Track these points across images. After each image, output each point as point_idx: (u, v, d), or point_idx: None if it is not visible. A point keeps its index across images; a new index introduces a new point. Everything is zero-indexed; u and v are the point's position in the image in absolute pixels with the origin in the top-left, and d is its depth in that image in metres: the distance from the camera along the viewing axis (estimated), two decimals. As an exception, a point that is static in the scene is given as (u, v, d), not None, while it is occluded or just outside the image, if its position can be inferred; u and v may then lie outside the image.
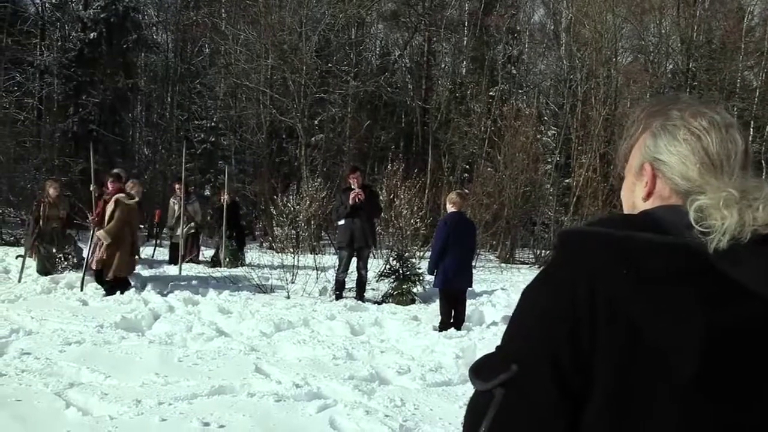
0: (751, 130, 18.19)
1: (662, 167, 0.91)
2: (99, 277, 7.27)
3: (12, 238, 13.05)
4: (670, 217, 0.84)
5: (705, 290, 0.79)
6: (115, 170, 8.43)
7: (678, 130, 0.90)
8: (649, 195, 0.93)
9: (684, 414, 0.79)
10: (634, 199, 0.96)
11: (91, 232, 7.64)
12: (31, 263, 8.26)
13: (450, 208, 6.28)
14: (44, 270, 8.05)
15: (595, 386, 0.80)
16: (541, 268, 0.92)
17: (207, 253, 11.59)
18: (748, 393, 0.79)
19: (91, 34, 17.77)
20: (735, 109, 17.81)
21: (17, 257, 8.70)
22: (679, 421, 0.79)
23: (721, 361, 0.78)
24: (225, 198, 10.64)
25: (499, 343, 0.91)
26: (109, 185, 7.47)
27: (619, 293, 0.80)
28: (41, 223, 8.16)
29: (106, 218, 7.17)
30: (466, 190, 15.75)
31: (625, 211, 0.98)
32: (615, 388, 0.80)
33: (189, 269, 9.40)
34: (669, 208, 0.87)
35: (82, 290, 7.18)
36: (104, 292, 7.10)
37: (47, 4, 18.97)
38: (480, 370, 0.88)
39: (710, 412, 0.79)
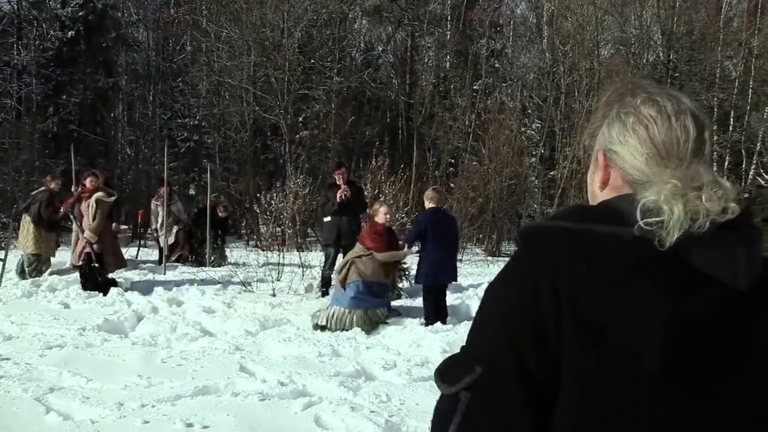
0: (731, 119, 18.40)
1: (614, 157, 0.90)
2: (80, 274, 7.34)
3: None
4: (628, 207, 0.83)
5: (667, 281, 0.79)
6: (96, 170, 8.48)
7: (628, 118, 0.89)
8: (604, 184, 0.93)
9: (651, 406, 0.78)
10: (593, 188, 0.95)
11: (75, 229, 7.69)
12: (11, 267, 8.14)
13: (428, 205, 6.26)
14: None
15: (563, 383, 0.79)
16: (504, 265, 0.90)
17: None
18: (713, 381, 0.78)
19: (69, 33, 17.51)
20: (715, 99, 18.00)
21: (-4, 261, 8.57)
22: (646, 413, 0.78)
23: (686, 351, 0.77)
24: (215, 206, 10.77)
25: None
26: (88, 183, 7.47)
27: (581, 288, 0.79)
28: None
29: (90, 218, 7.22)
30: (452, 184, 15.80)
31: (589, 199, 0.97)
32: (582, 384, 0.78)
33: (173, 269, 9.32)
34: (626, 198, 0.86)
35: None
36: (81, 286, 7.18)
37: (24, 2, 18.63)
38: (445, 372, 0.86)
39: (677, 403, 0.78)
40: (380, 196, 10.67)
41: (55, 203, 8.36)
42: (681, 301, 0.78)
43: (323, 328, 5.74)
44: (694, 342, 0.78)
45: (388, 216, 6.30)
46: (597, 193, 0.94)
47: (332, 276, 6.77)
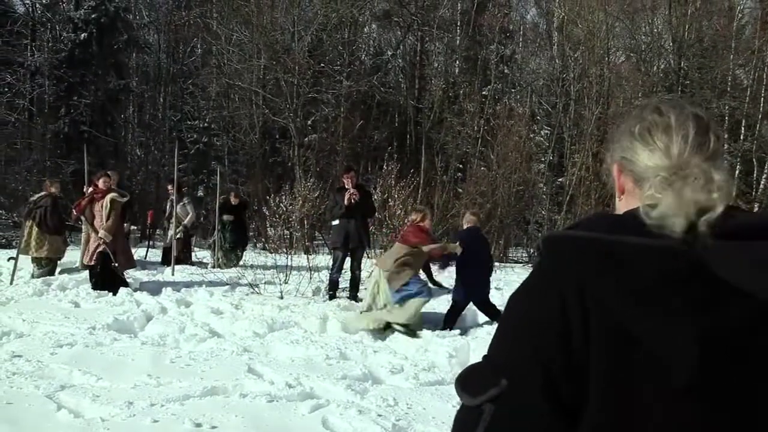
0: (743, 128, 18.28)
1: (626, 164, 0.93)
2: (90, 274, 7.42)
3: (3, 240, 12.98)
4: None
5: (696, 293, 0.78)
6: (109, 171, 8.58)
7: (635, 126, 0.93)
8: (621, 192, 0.94)
9: (680, 420, 0.77)
10: (616, 200, 0.97)
11: (85, 230, 7.75)
12: (23, 266, 8.20)
13: (466, 225, 6.51)
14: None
15: (590, 396, 0.78)
16: (528, 275, 0.89)
17: (200, 254, 11.55)
18: (743, 396, 0.78)
19: (82, 35, 17.65)
20: (727, 107, 17.89)
21: (9, 259, 8.66)
22: (670, 425, 0.77)
23: (714, 365, 0.77)
24: (228, 198, 10.70)
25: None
26: (101, 184, 7.54)
27: (610, 300, 0.78)
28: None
29: (104, 218, 7.30)
30: (460, 189, 15.79)
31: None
32: (610, 399, 0.78)
33: (182, 270, 9.36)
34: (651, 209, 0.86)
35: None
36: (92, 285, 7.24)
37: (37, 5, 18.84)
38: (467, 382, 0.85)
39: (700, 415, 0.77)
40: (389, 200, 10.69)
41: (59, 208, 8.37)
42: (712, 314, 0.77)
43: (405, 326, 5.77)
44: (722, 355, 0.77)
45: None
46: (618, 204, 0.96)
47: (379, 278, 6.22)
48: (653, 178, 0.85)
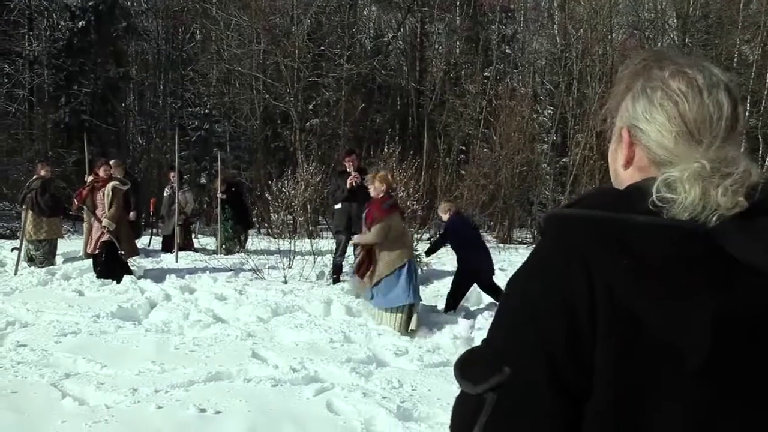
0: (748, 104, 18.06)
1: (639, 134, 0.84)
2: (94, 262, 7.39)
3: (8, 231, 13.02)
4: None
5: (711, 274, 0.74)
6: (111, 161, 8.56)
7: (655, 93, 0.83)
8: (627, 163, 0.87)
9: (691, 408, 0.74)
10: (616, 166, 0.90)
11: (86, 219, 7.72)
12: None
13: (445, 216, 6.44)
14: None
15: (597, 383, 0.75)
16: (529, 256, 0.83)
17: (203, 240, 11.54)
18: (755, 379, 0.74)
19: (80, 23, 17.52)
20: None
21: (12, 249, 8.67)
22: (686, 416, 0.74)
23: (730, 348, 0.73)
24: (219, 186, 10.56)
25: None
26: (101, 172, 7.52)
27: (618, 282, 0.74)
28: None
29: (106, 206, 7.29)
30: (463, 171, 15.71)
31: (611, 176, 0.92)
32: (618, 385, 0.74)
33: (185, 257, 9.36)
34: (667, 188, 0.80)
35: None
36: (96, 274, 7.23)
37: (34, -7, 18.68)
38: (467, 369, 0.81)
39: (718, 402, 0.74)
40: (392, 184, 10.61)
41: (51, 189, 8.37)
42: (727, 295, 0.73)
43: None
44: (736, 337, 0.73)
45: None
46: (620, 172, 0.89)
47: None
48: (690, 162, 0.77)
